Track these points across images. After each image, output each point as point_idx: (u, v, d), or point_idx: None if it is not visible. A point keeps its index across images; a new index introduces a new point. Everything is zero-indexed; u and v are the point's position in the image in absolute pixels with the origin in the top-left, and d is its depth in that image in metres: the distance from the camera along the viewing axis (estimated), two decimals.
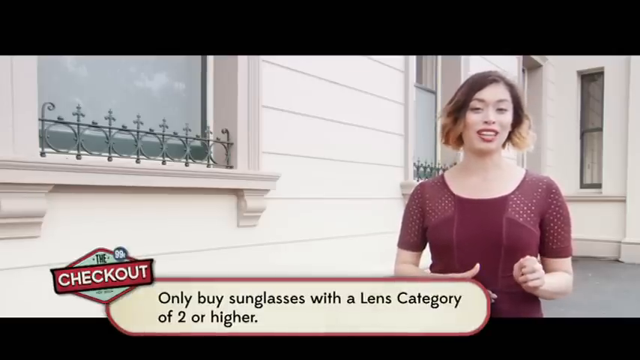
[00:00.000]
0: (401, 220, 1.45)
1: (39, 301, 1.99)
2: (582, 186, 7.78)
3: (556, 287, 1.24)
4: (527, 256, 1.13)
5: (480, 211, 1.26)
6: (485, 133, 1.24)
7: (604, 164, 7.37)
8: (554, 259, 1.30)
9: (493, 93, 1.24)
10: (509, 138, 1.32)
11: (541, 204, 1.26)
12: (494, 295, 1.16)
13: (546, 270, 1.30)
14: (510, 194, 1.27)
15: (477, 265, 1.16)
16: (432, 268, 1.36)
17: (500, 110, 1.24)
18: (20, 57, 1.85)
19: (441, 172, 4.88)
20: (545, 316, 1.31)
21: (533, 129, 1.33)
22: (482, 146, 1.26)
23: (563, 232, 1.28)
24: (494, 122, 1.23)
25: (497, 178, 1.30)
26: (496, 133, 1.24)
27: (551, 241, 1.28)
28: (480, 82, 1.27)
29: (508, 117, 1.26)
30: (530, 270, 1.11)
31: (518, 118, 1.29)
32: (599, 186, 7.49)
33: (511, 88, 1.27)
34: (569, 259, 1.30)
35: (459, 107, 1.28)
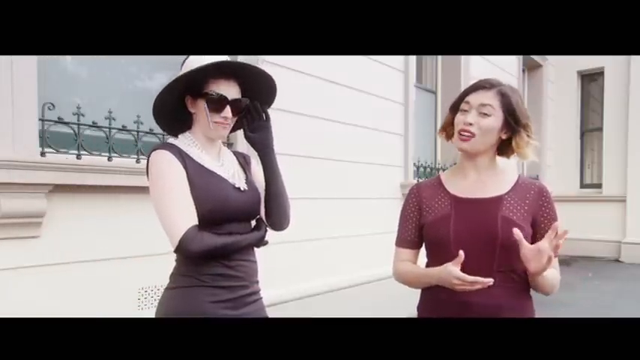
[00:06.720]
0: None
1: (39, 301, 2.00)
2: (582, 186, 7.79)
3: (551, 278, 1.29)
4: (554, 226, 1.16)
5: (475, 210, 1.30)
6: (462, 133, 1.29)
7: (604, 164, 7.37)
8: None
9: (479, 97, 1.29)
10: (509, 148, 1.34)
11: (533, 205, 1.31)
12: (490, 281, 1.18)
13: None
14: (505, 194, 1.31)
15: (461, 253, 1.19)
16: (427, 266, 1.38)
17: (483, 114, 1.28)
18: (20, 57, 1.86)
19: (441, 172, 4.89)
20: (545, 315, 1.31)
21: (534, 139, 1.32)
22: (459, 145, 1.32)
23: None
24: (471, 124, 1.28)
25: (490, 179, 1.34)
26: (473, 134, 1.28)
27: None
28: (473, 87, 1.33)
29: (489, 121, 1.28)
30: (563, 235, 1.15)
31: (512, 128, 1.30)
32: (599, 186, 7.49)
33: (502, 96, 1.29)
34: (556, 259, 1.32)
35: (454, 107, 1.36)
